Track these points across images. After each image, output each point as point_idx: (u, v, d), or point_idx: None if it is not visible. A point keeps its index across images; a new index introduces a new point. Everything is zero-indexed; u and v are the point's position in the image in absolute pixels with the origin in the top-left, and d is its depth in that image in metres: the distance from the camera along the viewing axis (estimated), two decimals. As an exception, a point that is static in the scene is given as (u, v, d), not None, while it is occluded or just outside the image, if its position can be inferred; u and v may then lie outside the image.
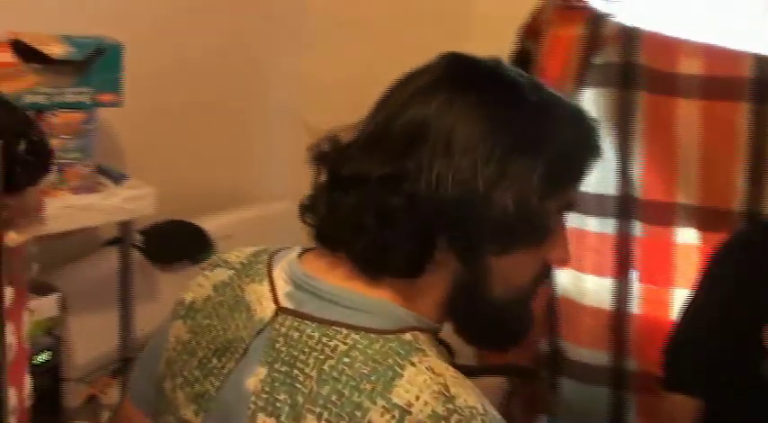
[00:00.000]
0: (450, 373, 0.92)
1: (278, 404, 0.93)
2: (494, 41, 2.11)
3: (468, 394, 0.90)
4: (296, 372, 0.93)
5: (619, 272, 2.20)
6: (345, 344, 0.93)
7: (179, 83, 2.25)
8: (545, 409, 2.37)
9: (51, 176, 1.58)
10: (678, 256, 2.13)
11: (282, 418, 0.92)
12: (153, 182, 1.91)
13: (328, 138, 1.01)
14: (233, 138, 2.48)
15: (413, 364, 0.91)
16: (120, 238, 1.93)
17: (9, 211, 1.08)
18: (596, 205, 2.19)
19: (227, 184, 2.44)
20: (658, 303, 2.12)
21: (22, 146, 1.08)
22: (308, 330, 0.95)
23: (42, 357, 1.54)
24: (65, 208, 1.60)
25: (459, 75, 1.01)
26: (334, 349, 0.93)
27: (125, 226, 1.79)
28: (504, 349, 1.16)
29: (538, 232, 0.98)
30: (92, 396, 1.70)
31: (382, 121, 0.99)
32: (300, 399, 0.92)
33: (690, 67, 2.01)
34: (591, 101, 2.14)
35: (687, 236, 2.11)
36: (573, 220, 2.22)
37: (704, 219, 2.06)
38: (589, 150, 1.02)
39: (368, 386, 0.90)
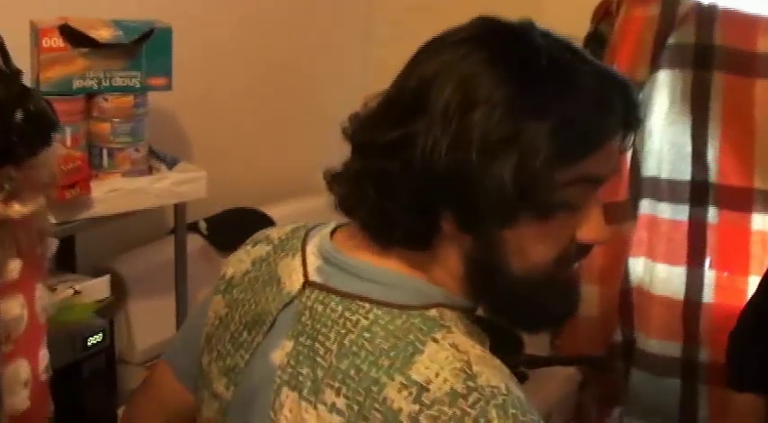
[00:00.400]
0: (476, 350, 0.90)
1: (300, 378, 0.92)
2: (566, 24, 2.06)
3: (492, 373, 0.87)
4: (317, 345, 0.93)
5: (692, 260, 2.14)
6: (367, 319, 0.92)
7: (248, 68, 2.24)
8: (618, 401, 2.32)
9: (103, 161, 1.61)
10: (754, 242, 2.07)
11: (304, 393, 0.91)
12: (218, 170, 1.89)
13: (362, 107, 0.99)
14: (301, 124, 2.47)
15: (435, 340, 0.90)
16: (190, 225, 1.92)
17: (13, 183, 1.07)
18: (670, 191, 2.14)
19: (296, 172, 2.43)
20: (733, 291, 2.05)
21: (19, 116, 1.07)
22: (332, 304, 0.94)
23: (94, 339, 1.54)
24: (113, 191, 1.59)
25: (479, 33, 0.95)
26: (355, 324, 0.92)
27: (180, 211, 1.78)
28: (537, 331, 1.12)
29: (543, 204, 0.91)
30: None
31: (398, 81, 0.96)
32: (320, 373, 0.91)
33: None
34: (666, 83, 2.09)
35: (764, 222, 2.05)
36: (645, 207, 2.23)
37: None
38: (611, 119, 0.94)
39: (386, 362, 0.88)
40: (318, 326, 0.94)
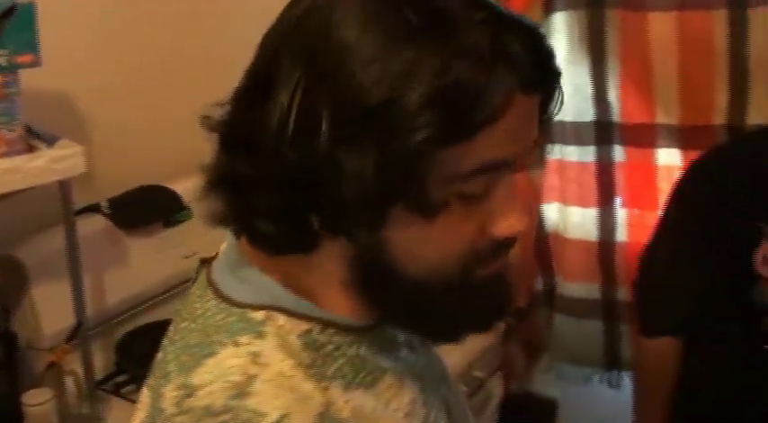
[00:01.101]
0: (280, 367, 0.77)
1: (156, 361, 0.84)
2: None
3: (275, 398, 0.75)
4: (171, 329, 0.85)
5: (603, 200, 2.16)
6: (201, 310, 0.83)
7: (140, 39, 2.17)
8: (544, 347, 2.34)
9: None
10: (661, 178, 2.09)
11: (149, 376, 0.83)
12: (121, 148, 1.83)
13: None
14: (198, 96, 2.40)
15: (236, 344, 0.78)
16: (91, 206, 1.89)
17: None
18: (575, 134, 2.14)
19: (199, 148, 2.37)
20: (645, 228, 2.05)
21: None
22: (197, 290, 0.86)
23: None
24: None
25: None
26: (192, 313, 0.83)
27: (66, 189, 1.73)
28: (453, 341, 0.89)
29: (422, 201, 0.74)
30: (52, 363, 1.69)
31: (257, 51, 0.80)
32: (158, 357, 0.83)
33: None
34: (561, 25, 2.08)
35: (669, 156, 2.06)
36: (554, 153, 2.23)
37: (686, 137, 2.01)
38: (508, 80, 0.72)
39: (184, 358, 0.79)
40: (181, 309, 0.86)
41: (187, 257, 1.97)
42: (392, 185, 0.72)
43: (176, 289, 1.99)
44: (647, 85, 2.02)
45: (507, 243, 0.81)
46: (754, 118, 1.89)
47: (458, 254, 0.79)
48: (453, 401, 0.98)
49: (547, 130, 0.81)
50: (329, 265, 0.81)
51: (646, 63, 2.00)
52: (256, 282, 0.83)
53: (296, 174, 0.74)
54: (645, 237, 2.04)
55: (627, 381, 2.20)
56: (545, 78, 0.77)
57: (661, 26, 1.95)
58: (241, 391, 0.75)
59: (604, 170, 2.11)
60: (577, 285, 2.23)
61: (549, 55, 0.77)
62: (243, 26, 2.43)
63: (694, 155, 1.83)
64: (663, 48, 1.97)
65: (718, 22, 1.89)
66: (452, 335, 0.87)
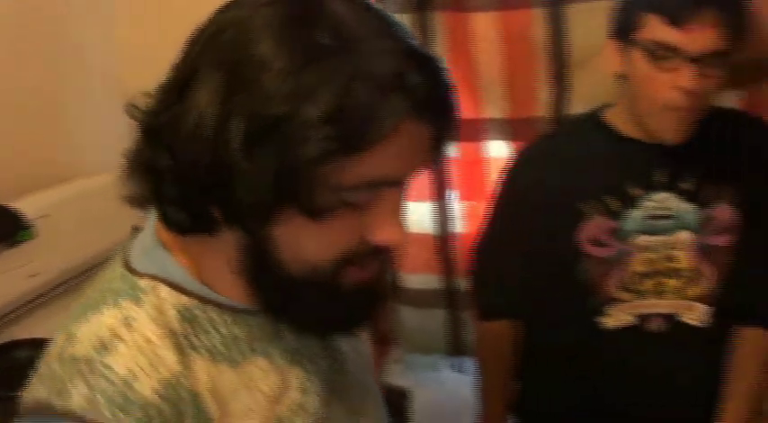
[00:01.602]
0: (146, 335, 0.87)
1: None
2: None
3: (128, 359, 0.85)
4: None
5: (437, 194, 2.23)
6: (108, 273, 0.94)
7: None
8: (394, 339, 2.40)
9: None
10: (492, 169, 2.17)
11: None
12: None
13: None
14: (42, 110, 2.32)
15: (117, 306, 0.89)
16: None
17: None
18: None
19: (41, 161, 2.29)
20: (479, 219, 2.15)
21: None
22: (116, 257, 0.97)
23: None
24: None
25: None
26: (102, 276, 0.95)
27: None
28: (321, 336, 1.01)
29: (312, 205, 0.82)
30: None
31: (185, 46, 0.86)
32: None
33: None
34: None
35: (498, 149, 2.16)
36: None
37: (513, 130, 2.11)
38: (399, 106, 0.79)
39: (78, 312, 0.90)
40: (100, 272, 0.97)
41: (32, 276, 1.92)
42: (285, 191, 0.80)
43: (20, 310, 1.92)
44: (474, 82, 2.10)
45: (382, 251, 0.88)
46: (576, 108, 2.00)
47: (334, 254, 0.86)
48: (345, 389, 1.05)
49: (441, 159, 0.89)
50: (226, 250, 0.89)
51: (472, 62, 2.08)
52: (155, 256, 0.93)
53: (203, 169, 0.81)
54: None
55: (471, 365, 2.29)
56: (439, 110, 0.83)
57: (484, 26, 2.04)
58: (104, 347, 0.86)
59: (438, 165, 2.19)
60: (418, 277, 2.30)
61: (445, 88, 0.84)
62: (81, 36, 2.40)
63: (521, 146, 1.94)
64: (487, 46, 2.05)
65: (537, 20, 1.99)
66: (318, 330, 0.97)
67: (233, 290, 0.92)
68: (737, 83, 1.93)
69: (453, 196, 2.23)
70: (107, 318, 0.88)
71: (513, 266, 1.84)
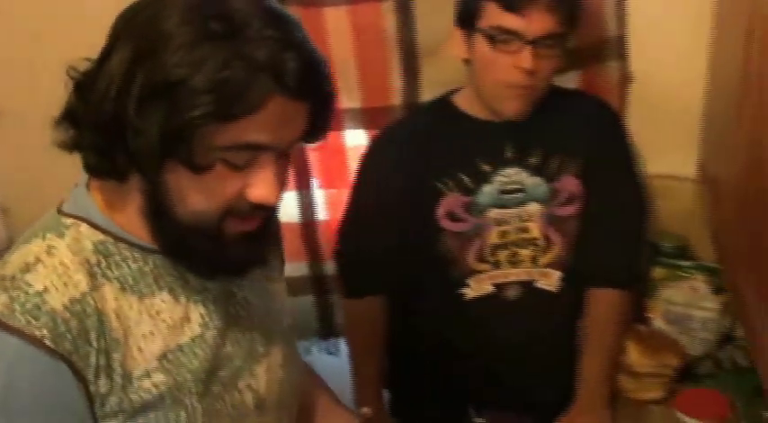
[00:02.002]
0: (63, 260, 1.07)
1: None
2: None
3: (44, 277, 1.05)
4: None
5: (300, 183, 2.30)
6: (46, 215, 1.14)
7: None
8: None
9: None
10: (350, 158, 2.26)
11: None
12: None
13: None
14: None
15: (43, 238, 1.09)
16: None
17: None
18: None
19: None
20: (341, 205, 2.24)
21: None
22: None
23: None
24: None
25: None
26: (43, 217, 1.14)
27: None
28: (209, 278, 1.18)
29: (193, 161, 1.00)
30: None
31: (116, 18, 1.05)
32: None
33: None
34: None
35: (356, 138, 2.25)
36: None
37: (368, 119, 2.20)
38: (269, 83, 0.98)
39: (15, 244, 1.11)
40: None
41: None
42: (168, 145, 0.99)
43: None
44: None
45: (259, 208, 1.07)
46: (426, 96, 2.12)
47: (217, 206, 1.05)
48: (248, 333, 1.25)
49: (321, 135, 1.12)
50: (135, 194, 1.08)
51: (326, 55, 2.15)
52: (80, 199, 1.13)
53: (109, 122, 1.00)
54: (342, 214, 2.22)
55: (343, 346, 2.37)
56: (308, 91, 1.01)
57: (336, 20, 2.12)
58: (27, 267, 1.06)
59: (299, 154, 2.25)
60: (287, 265, 2.36)
61: (317, 73, 1.03)
62: None
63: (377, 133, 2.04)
64: (340, 40, 2.13)
65: (387, 12, 2.09)
66: (206, 272, 1.16)
67: (143, 231, 1.11)
68: (574, 65, 2.10)
69: (315, 184, 2.30)
70: (34, 246, 1.09)
71: (375, 245, 1.93)
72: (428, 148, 1.88)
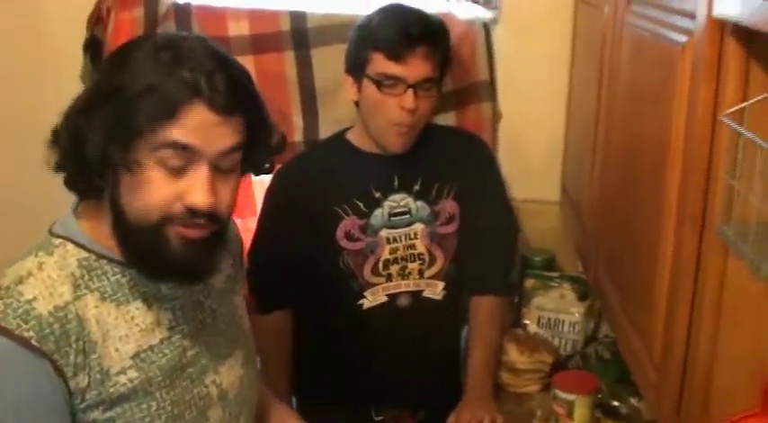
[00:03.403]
0: (51, 274, 1.24)
1: None
2: (69, 33, 2.32)
3: (34, 287, 1.22)
4: None
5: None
6: (40, 239, 1.32)
7: None
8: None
9: None
10: (256, 188, 2.50)
11: None
12: None
13: None
14: None
15: (36, 255, 1.27)
16: None
17: None
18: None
19: None
20: (248, 232, 2.35)
21: None
22: None
23: None
24: None
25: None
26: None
27: None
28: (160, 280, 1.32)
29: (127, 162, 1.18)
30: None
31: None
32: None
33: (238, 29, 2.33)
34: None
35: (261, 171, 2.48)
36: None
37: (274, 155, 2.43)
38: (185, 92, 1.17)
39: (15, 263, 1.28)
40: None
41: None
42: (111, 149, 1.18)
43: None
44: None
45: (196, 214, 1.20)
46: (324, 133, 2.37)
47: (157, 208, 1.20)
48: (213, 337, 1.42)
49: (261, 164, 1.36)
50: (107, 210, 1.26)
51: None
52: (67, 223, 1.31)
53: (74, 136, 1.21)
54: (249, 239, 2.44)
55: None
56: (231, 106, 1.19)
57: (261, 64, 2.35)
58: (20, 280, 1.24)
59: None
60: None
61: (240, 94, 1.21)
62: None
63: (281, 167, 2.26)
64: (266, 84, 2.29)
65: (289, 61, 2.35)
66: (155, 275, 1.30)
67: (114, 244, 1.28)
68: (451, 106, 2.40)
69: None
70: (27, 263, 1.26)
71: (282, 264, 2.13)
72: (327, 179, 2.13)
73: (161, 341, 1.34)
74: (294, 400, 2.28)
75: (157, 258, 1.25)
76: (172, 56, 1.18)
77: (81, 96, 1.23)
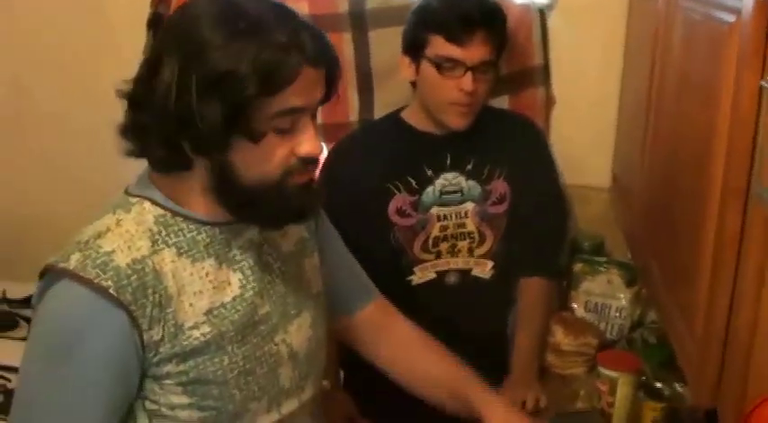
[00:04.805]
0: (129, 229, 1.29)
1: None
2: (131, 10, 2.40)
3: (112, 241, 1.27)
4: None
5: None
6: (115, 198, 1.37)
7: None
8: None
9: None
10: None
11: None
12: None
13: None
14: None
15: (114, 213, 1.32)
16: None
17: None
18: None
19: None
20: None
21: None
22: None
23: None
24: None
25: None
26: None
27: None
28: (275, 228, 1.43)
29: (253, 132, 1.22)
30: None
31: (151, 44, 1.33)
32: None
33: (298, 8, 2.37)
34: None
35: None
36: None
37: (329, 132, 2.48)
38: (298, 57, 1.21)
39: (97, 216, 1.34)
40: None
41: None
42: (231, 123, 1.21)
43: None
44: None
45: (309, 161, 1.30)
46: (379, 114, 2.41)
47: (276, 168, 1.27)
48: (281, 296, 1.47)
49: (333, 94, 1.36)
50: (195, 178, 1.31)
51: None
52: (143, 184, 1.37)
53: (176, 118, 1.22)
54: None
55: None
56: (324, 59, 1.27)
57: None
58: (99, 234, 1.29)
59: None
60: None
61: (326, 46, 1.29)
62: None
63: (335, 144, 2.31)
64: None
65: (347, 42, 2.39)
66: (276, 224, 1.40)
67: (197, 207, 1.34)
68: (506, 90, 2.44)
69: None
70: (106, 219, 1.31)
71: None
72: (380, 156, 2.18)
73: (233, 299, 1.38)
74: (342, 373, 2.33)
75: (277, 209, 1.32)
76: (249, 26, 1.21)
77: (168, 82, 1.22)
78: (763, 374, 1.22)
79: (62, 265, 1.25)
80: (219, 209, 1.34)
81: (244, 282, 1.40)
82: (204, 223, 1.35)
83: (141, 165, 1.36)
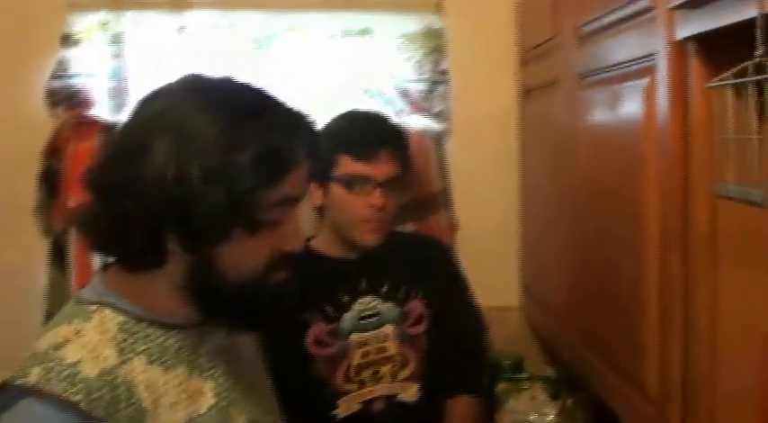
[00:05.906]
0: (92, 339, 1.16)
1: None
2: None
3: (75, 352, 1.14)
4: None
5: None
6: (67, 306, 1.25)
7: None
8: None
9: None
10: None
11: None
12: None
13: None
14: None
15: (69, 323, 1.19)
16: None
17: None
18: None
19: None
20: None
21: None
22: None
23: None
24: None
25: (190, 84, 1.20)
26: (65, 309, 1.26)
27: None
28: (251, 330, 1.38)
29: (252, 222, 1.16)
30: None
31: (123, 129, 1.21)
32: None
33: None
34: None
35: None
36: None
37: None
38: (300, 147, 1.18)
39: (47, 330, 1.19)
40: None
41: None
42: (233, 213, 1.14)
43: None
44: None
45: (291, 256, 1.23)
46: None
47: (262, 263, 1.21)
48: (253, 387, 1.39)
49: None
50: (165, 277, 1.21)
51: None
52: (98, 289, 1.25)
53: (169, 206, 1.13)
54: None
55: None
56: (316, 150, 1.23)
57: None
58: (58, 346, 1.15)
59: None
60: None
61: (318, 135, 1.26)
62: None
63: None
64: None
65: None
66: (253, 324, 1.30)
67: (162, 309, 1.23)
68: (410, 217, 2.46)
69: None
70: (62, 330, 1.18)
71: None
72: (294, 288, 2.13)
73: (209, 408, 1.28)
74: None
75: (257, 307, 1.24)
76: (248, 113, 1.17)
77: (160, 166, 1.13)
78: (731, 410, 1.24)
79: (21, 381, 1.11)
80: (186, 310, 1.24)
81: (217, 390, 1.31)
82: (172, 327, 1.25)
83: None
